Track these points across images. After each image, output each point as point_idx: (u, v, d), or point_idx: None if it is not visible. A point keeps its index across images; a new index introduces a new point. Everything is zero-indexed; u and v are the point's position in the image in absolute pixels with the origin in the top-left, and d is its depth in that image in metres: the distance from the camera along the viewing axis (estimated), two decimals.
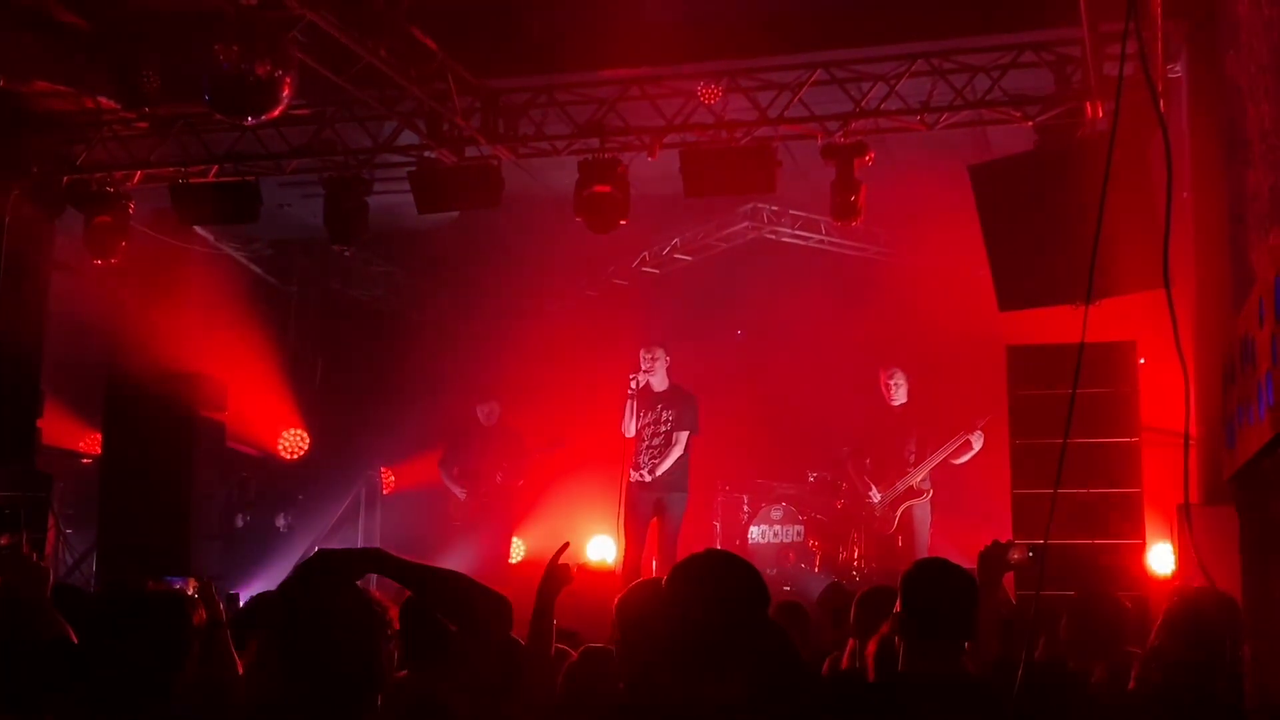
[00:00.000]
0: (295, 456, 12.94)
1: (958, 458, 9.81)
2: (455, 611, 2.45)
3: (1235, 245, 3.60)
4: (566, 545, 3.93)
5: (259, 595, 4.01)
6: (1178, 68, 7.63)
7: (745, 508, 11.62)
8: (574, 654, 4.28)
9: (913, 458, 9.96)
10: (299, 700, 2.27)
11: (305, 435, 13.08)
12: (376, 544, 12.07)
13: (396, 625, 3.74)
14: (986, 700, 3.24)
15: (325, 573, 2.41)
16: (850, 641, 4.90)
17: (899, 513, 9.93)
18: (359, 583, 3.12)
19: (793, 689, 4.13)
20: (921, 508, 9.90)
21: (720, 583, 2.80)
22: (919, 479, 9.91)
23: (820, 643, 5.41)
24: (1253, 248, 3.19)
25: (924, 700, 3.19)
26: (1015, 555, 4.37)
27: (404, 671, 3.59)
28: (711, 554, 3.02)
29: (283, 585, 2.44)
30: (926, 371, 10.42)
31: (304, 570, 2.43)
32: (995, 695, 3.32)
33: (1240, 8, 3.43)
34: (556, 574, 3.85)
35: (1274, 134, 2.85)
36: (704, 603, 2.75)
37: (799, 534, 11.17)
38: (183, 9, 7.36)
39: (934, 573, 3.44)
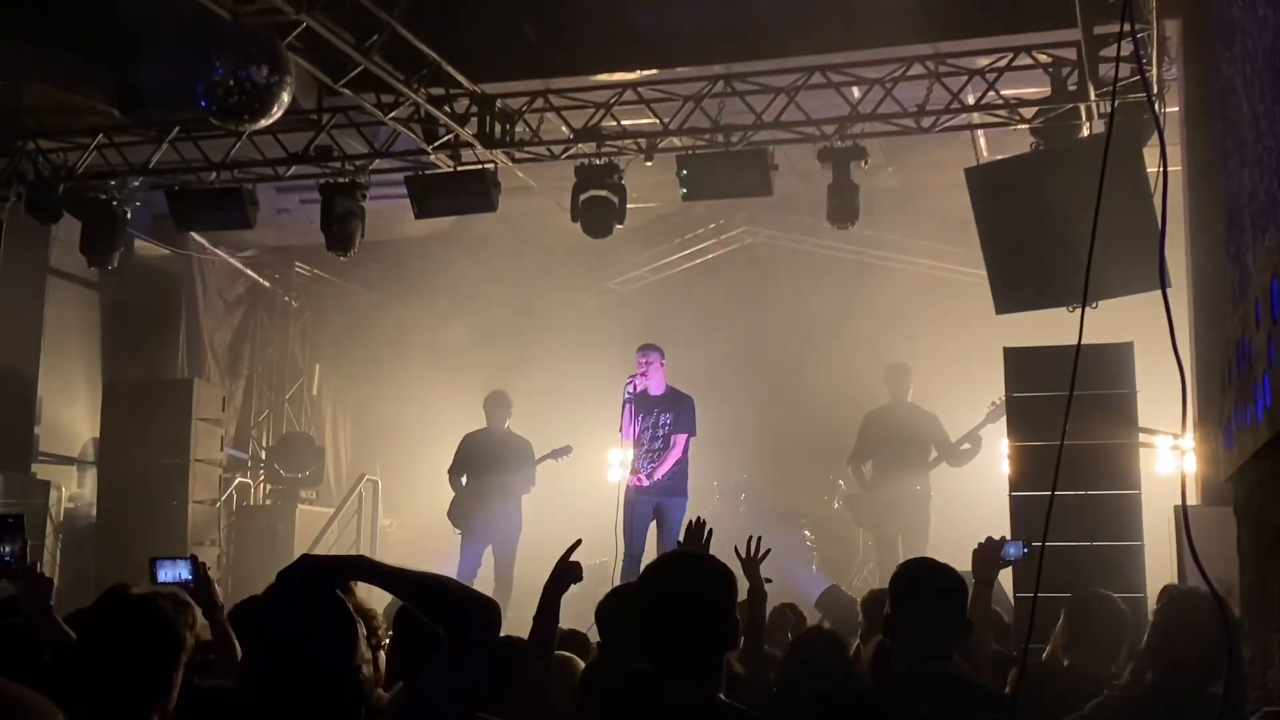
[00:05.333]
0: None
1: (993, 421, 9.61)
2: (442, 614, 2.43)
3: (1232, 246, 3.60)
4: (579, 542, 3.83)
5: (244, 601, 3.98)
6: (1173, 69, 7.63)
7: (742, 509, 11.60)
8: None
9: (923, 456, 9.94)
10: (281, 709, 2.25)
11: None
12: (375, 550, 12.07)
13: (385, 634, 3.72)
14: (980, 700, 3.24)
15: (308, 580, 2.38)
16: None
17: (898, 514, 9.90)
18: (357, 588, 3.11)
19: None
20: (922, 509, 9.89)
21: (690, 583, 2.79)
22: (964, 446, 9.85)
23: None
24: (1249, 249, 3.19)
25: (916, 701, 3.18)
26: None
27: (399, 682, 3.54)
28: (679, 555, 3.01)
29: (265, 592, 2.40)
30: (927, 372, 10.43)
31: (286, 577, 2.39)
32: (989, 695, 3.33)
33: (1235, 8, 3.43)
34: (567, 571, 3.79)
35: (1270, 134, 2.85)
36: (674, 604, 2.75)
37: (798, 536, 11.15)
38: (180, 14, 7.35)
39: (920, 572, 3.44)
